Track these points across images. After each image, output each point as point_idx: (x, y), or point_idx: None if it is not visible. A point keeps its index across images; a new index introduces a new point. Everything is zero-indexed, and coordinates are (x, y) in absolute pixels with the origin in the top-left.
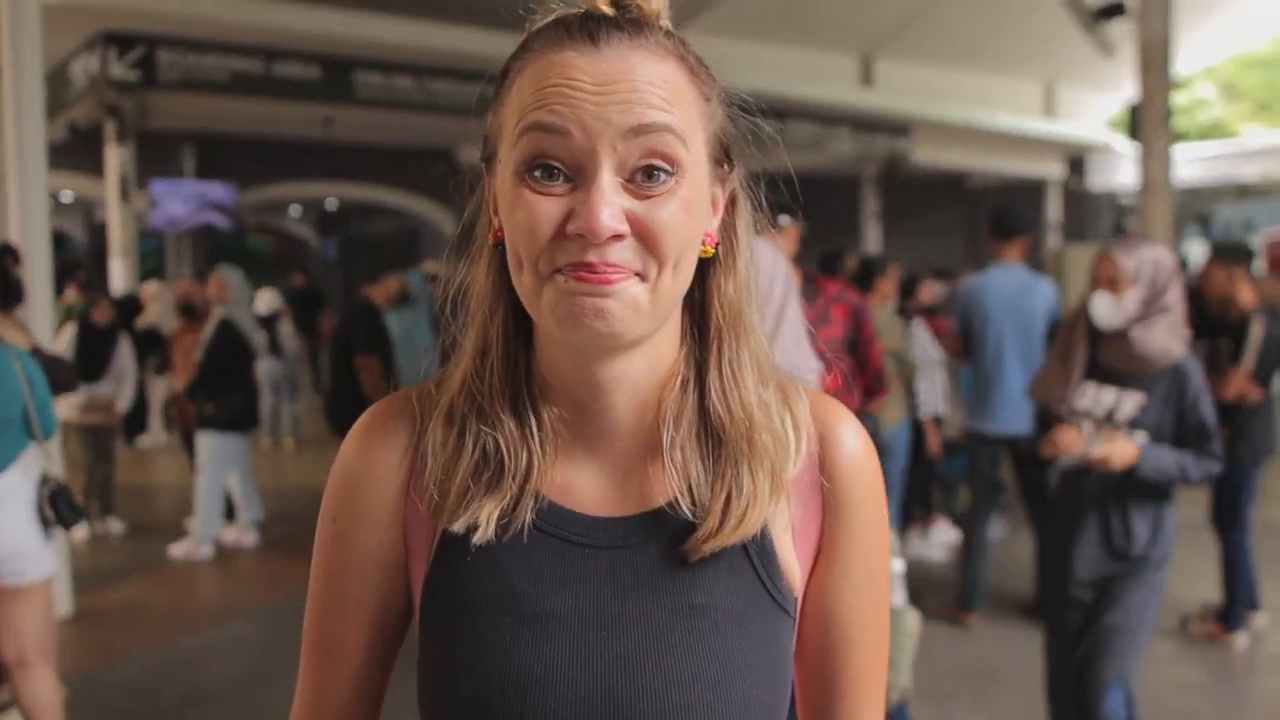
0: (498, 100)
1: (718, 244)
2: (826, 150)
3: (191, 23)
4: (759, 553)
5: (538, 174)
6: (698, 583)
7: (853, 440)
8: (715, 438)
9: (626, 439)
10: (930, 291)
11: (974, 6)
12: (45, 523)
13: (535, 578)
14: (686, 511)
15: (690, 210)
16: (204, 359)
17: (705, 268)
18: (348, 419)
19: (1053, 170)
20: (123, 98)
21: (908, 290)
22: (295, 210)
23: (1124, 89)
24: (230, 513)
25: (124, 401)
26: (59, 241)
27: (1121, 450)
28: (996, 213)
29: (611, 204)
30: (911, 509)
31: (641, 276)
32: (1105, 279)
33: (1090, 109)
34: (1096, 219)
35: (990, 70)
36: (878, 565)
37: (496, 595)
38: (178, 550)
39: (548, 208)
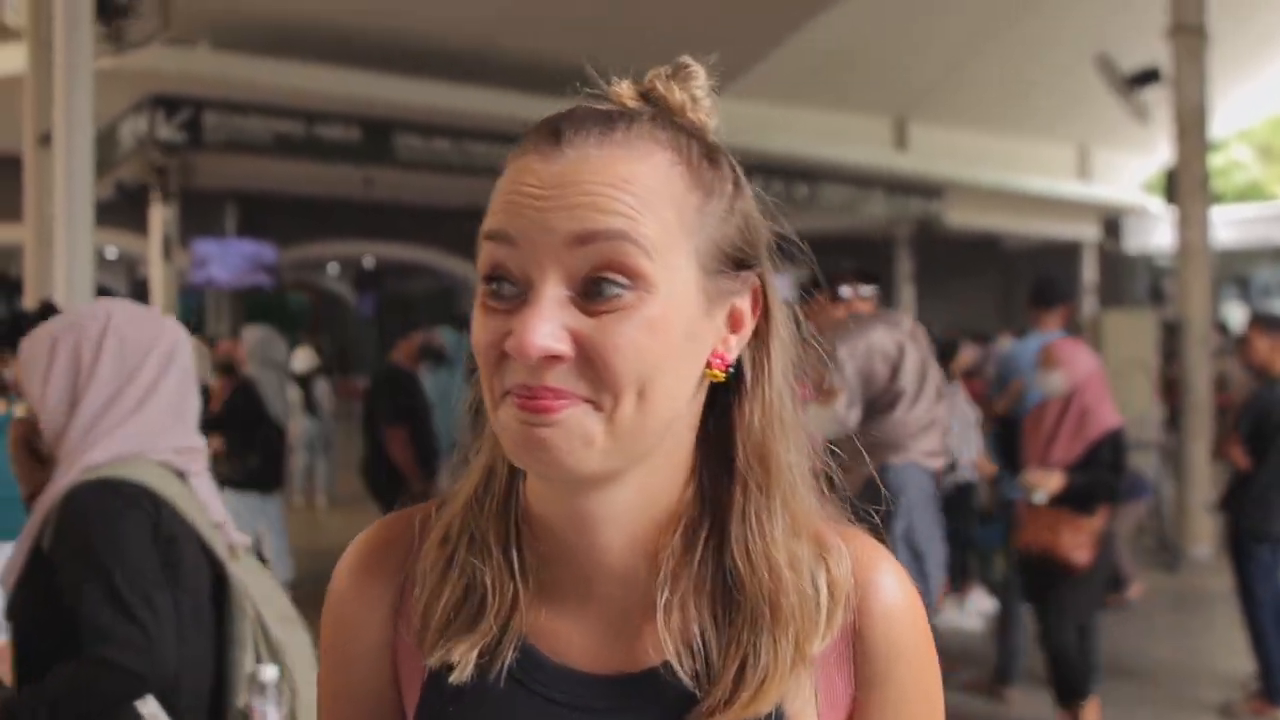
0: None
1: (729, 367)
2: (860, 213)
3: (236, 86)
4: None
5: (493, 287)
6: None
7: (891, 596)
8: (731, 596)
9: (617, 585)
10: (969, 356)
11: (1007, 70)
12: None
13: None
14: (685, 677)
15: (656, 330)
16: (219, 418)
17: (726, 395)
18: (382, 483)
19: (1088, 233)
20: (169, 158)
21: (947, 355)
22: (333, 268)
23: (1160, 151)
24: None
25: None
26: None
27: None
28: (1038, 282)
29: (548, 321)
30: (947, 577)
31: (595, 404)
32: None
33: (1125, 171)
34: (1133, 281)
35: (1024, 133)
36: None
37: None
38: None
39: (493, 324)
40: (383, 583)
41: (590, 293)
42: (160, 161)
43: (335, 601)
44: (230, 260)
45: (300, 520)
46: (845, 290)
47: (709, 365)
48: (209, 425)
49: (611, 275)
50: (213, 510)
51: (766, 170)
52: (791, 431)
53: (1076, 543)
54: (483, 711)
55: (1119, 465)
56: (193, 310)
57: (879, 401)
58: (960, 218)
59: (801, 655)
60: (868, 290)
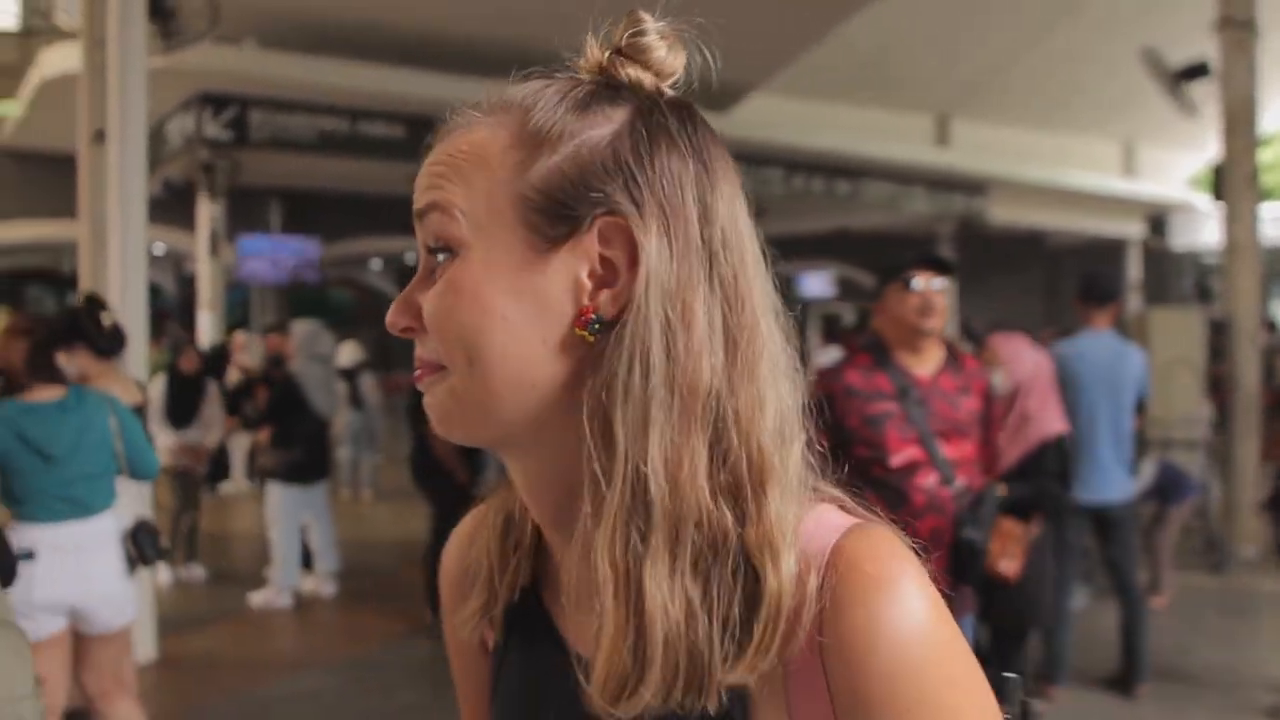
0: None
1: (589, 324)
2: (902, 209)
3: (282, 85)
4: None
5: None
6: None
7: (877, 619)
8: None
9: (584, 564)
10: None
11: (1052, 65)
12: (130, 560)
13: (514, 709)
14: (583, 679)
15: (462, 291)
16: (265, 411)
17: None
18: (427, 478)
19: (1133, 230)
20: (215, 155)
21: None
22: (376, 264)
23: (1207, 147)
24: (309, 562)
25: (211, 440)
26: (151, 293)
27: None
28: (1088, 277)
29: (401, 298)
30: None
31: (446, 372)
32: None
33: (1172, 167)
34: (1179, 279)
35: (1068, 130)
36: None
37: None
38: (258, 598)
39: None
40: (465, 566)
41: (435, 265)
42: (207, 159)
43: (443, 573)
44: (275, 256)
45: (346, 513)
46: (917, 282)
47: (575, 326)
48: (257, 419)
49: (434, 244)
50: None
51: (808, 167)
52: (657, 409)
53: (1004, 552)
54: (504, 683)
55: (1066, 474)
56: (238, 305)
57: None
58: (1004, 214)
59: (704, 682)
60: (940, 283)
